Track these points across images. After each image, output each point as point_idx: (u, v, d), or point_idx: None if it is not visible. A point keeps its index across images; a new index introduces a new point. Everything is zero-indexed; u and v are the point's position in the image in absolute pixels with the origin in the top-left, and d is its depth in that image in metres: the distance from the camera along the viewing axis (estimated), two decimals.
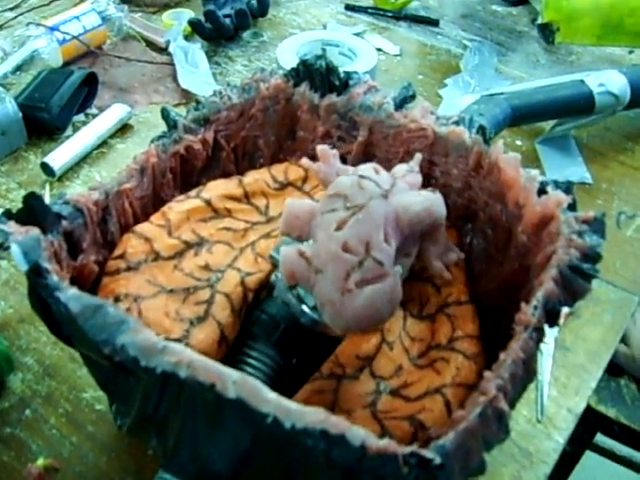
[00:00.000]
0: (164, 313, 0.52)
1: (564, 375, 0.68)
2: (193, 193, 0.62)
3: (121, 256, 0.55)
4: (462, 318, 0.55)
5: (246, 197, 0.63)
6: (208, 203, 0.61)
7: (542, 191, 0.52)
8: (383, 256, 0.46)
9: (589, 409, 0.97)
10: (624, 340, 1.00)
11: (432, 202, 0.50)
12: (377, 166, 0.52)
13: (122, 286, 0.53)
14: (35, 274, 0.44)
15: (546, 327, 0.46)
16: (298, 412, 0.37)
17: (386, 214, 0.48)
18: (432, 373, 0.52)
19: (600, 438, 1.16)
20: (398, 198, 0.49)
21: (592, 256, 0.47)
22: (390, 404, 0.50)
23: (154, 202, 0.61)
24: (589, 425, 1.04)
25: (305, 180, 0.66)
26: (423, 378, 0.52)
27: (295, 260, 0.48)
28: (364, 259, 0.46)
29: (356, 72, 0.67)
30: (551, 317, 0.46)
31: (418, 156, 0.57)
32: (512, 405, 0.43)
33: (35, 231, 0.47)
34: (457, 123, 0.61)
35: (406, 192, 0.51)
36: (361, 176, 0.50)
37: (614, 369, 1.02)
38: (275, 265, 0.55)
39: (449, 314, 0.56)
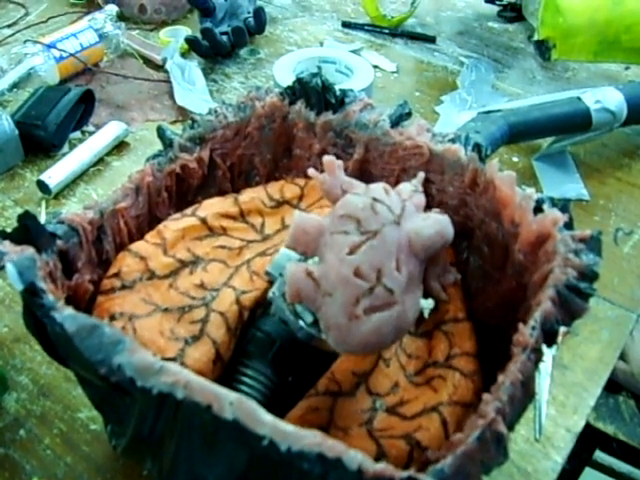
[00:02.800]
0: (159, 332, 0.52)
1: (562, 394, 0.68)
2: (189, 211, 0.62)
3: (116, 275, 0.55)
4: (459, 335, 0.55)
5: (242, 215, 0.63)
6: (204, 221, 0.61)
7: (538, 209, 0.52)
8: (394, 284, 0.46)
9: (588, 426, 0.97)
10: (623, 357, 1.00)
11: (443, 225, 0.50)
12: (387, 186, 0.52)
13: (117, 305, 0.53)
14: (30, 294, 0.44)
15: (544, 347, 0.46)
16: (294, 435, 0.37)
17: (399, 241, 0.48)
18: (429, 391, 0.52)
19: (599, 455, 1.15)
20: (410, 223, 0.49)
21: (589, 275, 0.46)
22: (386, 422, 0.50)
23: (149, 221, 0.61)
24: (588, 442, 1.04)
25: (301, 198, 0.65)
26: (420, 396, 0.51)
27: (302, 279, 0.48)
28: (375, 286, 0.46)
29: (352, 90, 0.67)
30: (549, 337, 0.46)
31: (421, 175, 0.57)
32: (511, 427, 0.42)
33: (30, 250, 0.47)
34: (453, 141, 0.61)
35: (415, 216, 0.51)
36: (374, 199, 0.49)
37: (612, 386, 1.01)
38: (271, 281, 0.55)
39: (446, 331, 0.55)
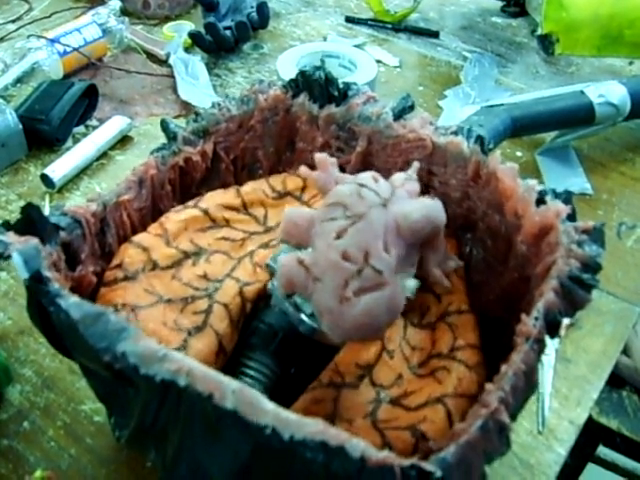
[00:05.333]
0: (162, 323, 0.52)
1: (565, 386, 0.68)
2: (191, 203, 0.62)
3: (119, 266, 0.55)
4: (463, 327, 0.55)
5: (244, 207, 0.63)
6: (206, 213, 0.61)
7: (541, 201, 0.52)
8: (382, 265, 0.46)
9: (591, 421, 0.96)
10: (626, 351, 0.99)
11: (431, 208, 0.50)
12: (376, 174, 0.52)
13: (119, 296, 0.53)
14: (36, 282, 0.45)
15: (547, 338, 0.46)
16: (297, 423, 0.37)
17: (386, 223, 0.48)
18: (433, 382, 0.51)
19: (603, 450, 1.15)
20: (397, 206, 0.49)
21: (592, 266, 0.46)
22: (390, 413, 0.50)
23: (153, 214, 0.61)
24: (591, 437, 1.03)
25: (303, 189, 0.66)
26: (424, 387, 0.51)
27: (294, 268, 0.48)
28: (363, 268, 0.46)
29: (355, 83, 0.67)
30: (552, 328, 0.46)
31: (416, 164, 0.56)
32: (513, 417, 0.42)
33: (34, 240, 0.47)
34: (455, 133, 0.61)
35: (405, 200, 0.51)
36: (360, 185, 0.50)
37: (616, 380, 1.01)
38: (272, 274, 0.55)
39: (450, 323, 0.55)
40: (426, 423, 0.48)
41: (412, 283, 0.50)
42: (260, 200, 0.64)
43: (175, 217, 0.60)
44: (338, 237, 0.47)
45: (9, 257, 0.46)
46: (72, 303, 0.43)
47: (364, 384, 0.51)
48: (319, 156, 0.55)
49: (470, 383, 0.51)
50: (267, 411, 0.37)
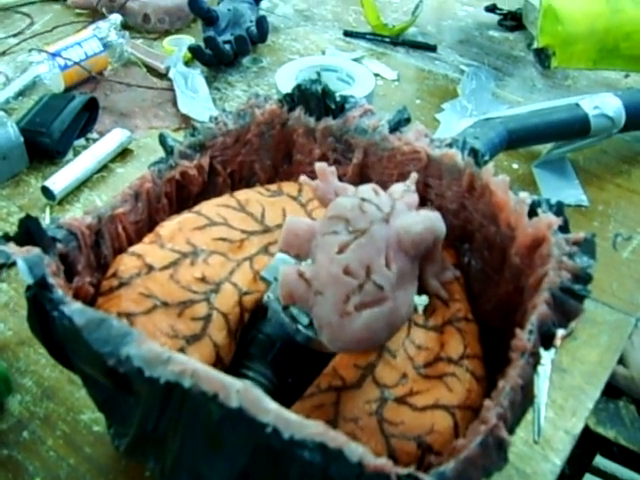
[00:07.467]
0: (158, 330, 0.52)
1: (561, 397, 0.68)
2: (185, 212, 0.62)
3: (114, 275, 0.56)
4: (471, 335, 0.56)
5: (240, 205, 0.63)
6: (199, 213, 0.61)
7: (533, 212, 0.53)
8: (383, 280, 0.47)
9: (588, 431, 0.97)
10: (622, 362, 1.00)
11: (432, 220, 0.51)
12: (376, 187, 0.53)
13: (114, 305, 0.54)
14: (41, 287, 0.45)
15: (542, 350, 0.46)
16: (297, 423, 0.37)
17: (387, 238, 0.48)
18: (442, 387, 0.52)
19: (601, 461, 1.15)
20: (399, 220, 0.50)
21: (583, 277, 0.47)
22: (396, 412, 0.50)
23: (149, 227, 0.62)
24: (588, 447, 1.04)
25: (300, 191, 0.66)
26: (431, 389, 0.52)
27: (294, 280, 0.48)
28: (364, 283, 0.46)
29: (352, 96, 0.68)
30: (546, 340, 0.47)
31: (414, 175, 0.57)
32: (511, 431, 0.43)
33: (37, 249, 0.48)
34: (450, 146, 0.62)
35: (405, 213, 0.51)
36: (362, 199, 0.50)
37: (613, 391, 1.02)
38: (267, 286, 0.56)
39: (459, 328, 0.56)
40: (433, 434, 0.49)
41: (423, 300, 0.51)
42: (256, 198, 0.64)
43: (168, 223, 0.60)
44: (340, 252, 0.47)
45: (10, 266, 0.47)
46: (75, 309, 0.44)
47: (367, 383, 0.51)
48: (319, 165, 0.55)
49: (477, 396, 0.52)
50: (269, 410, 0.38)
